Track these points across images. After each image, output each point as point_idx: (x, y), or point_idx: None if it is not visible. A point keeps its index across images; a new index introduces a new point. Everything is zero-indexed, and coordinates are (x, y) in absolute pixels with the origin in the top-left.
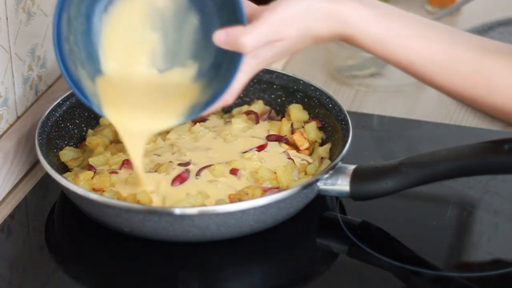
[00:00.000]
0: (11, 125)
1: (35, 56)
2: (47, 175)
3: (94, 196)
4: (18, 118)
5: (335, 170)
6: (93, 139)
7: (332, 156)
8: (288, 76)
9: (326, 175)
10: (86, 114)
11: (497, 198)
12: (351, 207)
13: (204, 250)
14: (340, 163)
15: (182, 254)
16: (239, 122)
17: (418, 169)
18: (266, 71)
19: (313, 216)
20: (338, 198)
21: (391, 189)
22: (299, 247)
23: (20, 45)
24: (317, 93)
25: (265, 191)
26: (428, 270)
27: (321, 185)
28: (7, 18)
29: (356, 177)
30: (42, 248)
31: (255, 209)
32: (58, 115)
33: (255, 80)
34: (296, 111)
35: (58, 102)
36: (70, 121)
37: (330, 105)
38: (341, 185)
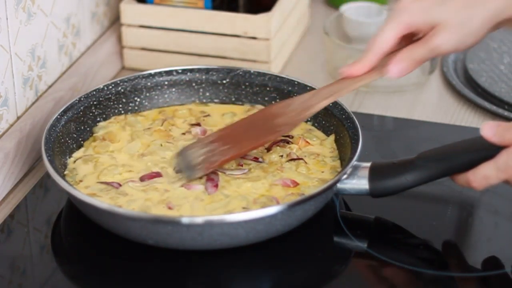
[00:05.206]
0: (11, 125)
1: (35, 56)
2: (47, 175)
3: (104, 205)
4: (18, 118)
5: (351, 169)
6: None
7: (341, 153)
8: (282, 77)
9: (345, 175)
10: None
11: (497, 198)
12: (351, 207)
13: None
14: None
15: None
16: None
17: (436, 162)
18: (258, 74)
19: (320, 216)
20: (338, 196)
21: (411, 183)
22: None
23: (20, 45)
24: None
25: (283, 185)
26: (428, 270)
27: (339, 184)
28: (7, 18)
29: (374, 174)
30: (42, 248)
31: (282, 213)
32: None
33: (246, 84)
34: None
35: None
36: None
37: (331, 105)
38: (360, 183)
